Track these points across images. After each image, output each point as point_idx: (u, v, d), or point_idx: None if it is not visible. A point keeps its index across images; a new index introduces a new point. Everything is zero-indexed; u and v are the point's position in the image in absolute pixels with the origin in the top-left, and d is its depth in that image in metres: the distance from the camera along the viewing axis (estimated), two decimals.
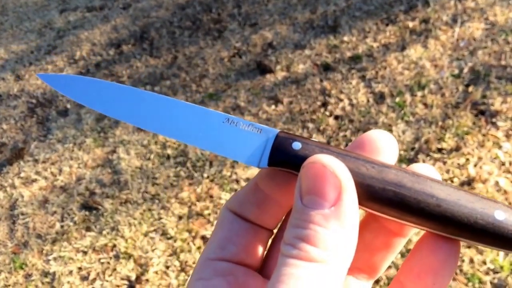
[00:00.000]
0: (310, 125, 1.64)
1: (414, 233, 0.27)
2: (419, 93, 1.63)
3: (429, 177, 0.24)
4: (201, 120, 0.26)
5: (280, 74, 1.86)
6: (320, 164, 0.21)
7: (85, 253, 1.48)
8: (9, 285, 1.47)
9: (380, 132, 0.25)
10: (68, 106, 2.05)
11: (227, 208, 0.27)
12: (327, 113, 1.66)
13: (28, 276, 1.48)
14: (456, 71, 1.66)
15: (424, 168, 0.25)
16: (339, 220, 0.21)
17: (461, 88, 1.61)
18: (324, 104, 1.70)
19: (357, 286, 0.27)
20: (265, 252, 0.28)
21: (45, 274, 1.47)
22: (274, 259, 0.28)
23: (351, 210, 0.21)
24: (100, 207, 1.59)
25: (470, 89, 1.59)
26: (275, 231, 0.29)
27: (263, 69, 1.88)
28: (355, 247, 0.22)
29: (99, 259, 1.46)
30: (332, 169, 0.21)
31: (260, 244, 0.27)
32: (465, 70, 1.66)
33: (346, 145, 1.55)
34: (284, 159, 0.24)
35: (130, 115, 0.27)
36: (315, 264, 0.20)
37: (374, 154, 0.24)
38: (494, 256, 1.21)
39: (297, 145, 0.24)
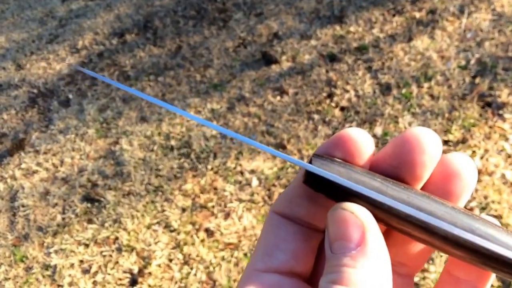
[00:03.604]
0: (316, 116, 1.62)
1: None
2: (426, 85, 1.61)
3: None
4: None
5: (286, 65, 1.84)
6: (339, 210, 0.22)
7: (86, 245, 1.47)
8: (10, 278, 1.46)
9: (424, 130, 0.24)
10: (70, 96, 2.03)
11: (273, 211, 0.26)
12: (333, 104, 1.64)
13: (28, 269, 1.47)
14: (463, 63, 1.64)
15: (462, 160, 0.24)
16: (367, 257, 0.21)
17: (468, 79, 1.59)
18: (330, 95, 1.67)
19: (399, 282, 0.27)
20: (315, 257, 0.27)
21: (46, 267, 1.46)
22: (323, 264, 0.26)
23: (377, 246, 0.22)
24: (102, 199, 1.57)
25: (477, 80, 1.57)
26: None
27: (269, 60, 1.86)
28: (389, 283, 0.22)
29: (101, 252, 1.45)
30: (352, 211, 0.22)
31: (310, 248, 0.26)
32: (472, 61, 1.64)
33: None
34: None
35: None
36: None
37: (417, 154, 0.24)
38: None
39: (321, 195, 0.24)
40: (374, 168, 0.25)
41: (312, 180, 0.24)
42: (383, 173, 0.24)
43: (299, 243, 0.25)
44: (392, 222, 0.23)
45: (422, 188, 0.25)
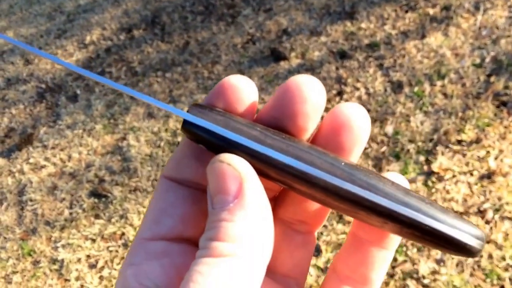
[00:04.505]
0: (325, 114, 1.60)
1: None
2: (439, 83, 1.58)
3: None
4: None
5: (295, 62, 1.82)
6: (217, 162, 0.21)
7: (93, 240, 1.47)
8: (17, 272, 1.47)
9: (306, 78, 0.22)
10: (78, 91, 2.03)
11: (163, 176, 0.25)
12: (343, 102, 1.62)
13: (36, 262, 1.47)
14: (478, 61, 1.61)
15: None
16: (244, 210, 0.20)
17: (482, 78, 1.55)
18: (340, 93, 1.65)
19: (300, 239, 0.26)
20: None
21: (54, 261, 1.46)
22: None
23: (255, 198, 0.20)
24: (109, 194, 1.57)
25: (492, 79, 1.54)
26: None
27: (277, 56, 1.84)
28: (269, 236, 0.21)
29: (108, 247, 1.45)
30: (229, 162, 0.21)
31: (200, 210, 0.24)
32: (487, 59, 1.60)
33: None
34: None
35: None
36: (225, 259, 0.19)
37: (298, 103, 0.22)
38: None
39: (201, 147, 0.23)
40: (259, 121, 0.23)
41: (190, 130, 0.22)
42: (267, 125, 0.23)
43: (189, 207, 0.24)
44: (272, 173, 0.22)
45: (312, 142, 0.24)
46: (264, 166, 0.22)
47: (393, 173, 0.23)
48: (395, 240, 0.24)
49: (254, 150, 0.21)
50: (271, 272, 0.25)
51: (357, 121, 0.23)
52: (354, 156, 0.23)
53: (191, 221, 0.24)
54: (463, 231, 0.21)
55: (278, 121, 0.23)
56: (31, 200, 1.65)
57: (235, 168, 0.21)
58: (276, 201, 0.26)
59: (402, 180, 0.23)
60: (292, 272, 0.26)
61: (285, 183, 0.22)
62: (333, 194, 0.21)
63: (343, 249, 0.25)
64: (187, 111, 0.23)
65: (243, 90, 0.23)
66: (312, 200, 0.23)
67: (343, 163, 0.22)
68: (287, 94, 0.22)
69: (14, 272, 1.47)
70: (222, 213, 0.20)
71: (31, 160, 1.79)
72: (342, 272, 0.25)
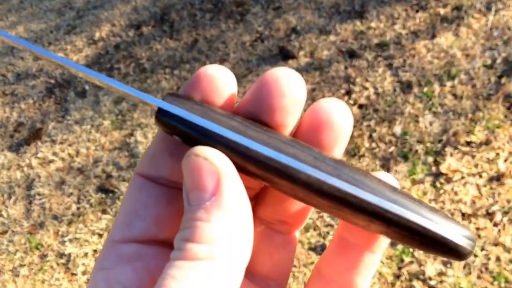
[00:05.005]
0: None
1: None
2: (449, 83, 1.57)
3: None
4: None
5: (303, 60, 1.81)
6: (192, 156, 0.20)
7: (100, 235, 1.48)
8: (25, 265, 1.48)
9: (284, 70, 0.21)
10: (87, 87, 2.04)
11: (137, 174, 0.23)
12: (351, 101, 1.61)
13: (43, 256, 1.48)
14: (489, 61, 1.59)
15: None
16: (221, 208, 0.19)
17: (493, 79, 1.54)
18: (348, 92, 1.64)
19: (281, 240, 0.25)
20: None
21: (61, 255, 1.47)
22: None
23: (234, 196, 0.19)
24: (116, 190, 1.58)
25: (503, 80, 1.52)
26: None
27: (286, 55, 1.83)
28: (249, 236, 0.20)
29: None
30: (205, 156, 0.19)
31: (176, 211, 0.23)
32: (498, 60, 1.59)
33: (370, 135, 1.50)
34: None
35: None
36: (202, 262, 0.18)
37: (275, 97, 0.21)
38: None
39: (177, 138, 0.22)
40: (236, 115, 0.22)
41: (164, 121, 0.21)
42: None
43: (163, 207, 0.22)
44: (252, 167, 0.20)
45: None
46: (244, 160, 0.20)
47: (381, 172, 0.22)
48: (382, 243, 0.23)
49: (233, 142, 0.20)
50: (250, 273, 0.24)
51: (338, 118, 0.21)
52: (336, 154, 0.22)
53: (166, 222, 0.23)
54: (454, 231, 0.20)
55: (256, 116, 0.21)
56: (39, 194, 1.66)
57: (212, 162, 0.19)
58: (256, 200, 0.25)
59: (390, 179, 0.22)
60: (272, 274, 0.25)
61: (265, 178, 0.21)
62: (317, 189, 0.20)
63: (328, 251, 0.24)
64: (162, 99, 0.21)
65: (221, 81, 0.22)
66: (294, 197, 0.21)
67: (327, 158, 0.21)
68: (264, 88, 0.21)
69: (21, 265, 1.48)
70: (199, 212, 0.19)
71: (40, 155, 1.80)
72: (327, 275, 0.24)
